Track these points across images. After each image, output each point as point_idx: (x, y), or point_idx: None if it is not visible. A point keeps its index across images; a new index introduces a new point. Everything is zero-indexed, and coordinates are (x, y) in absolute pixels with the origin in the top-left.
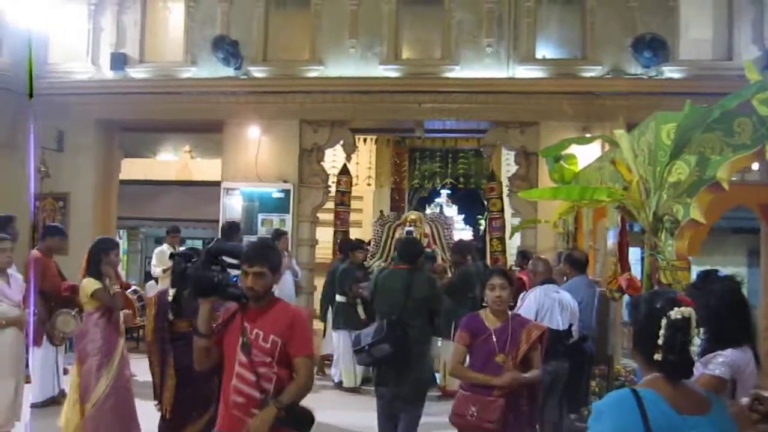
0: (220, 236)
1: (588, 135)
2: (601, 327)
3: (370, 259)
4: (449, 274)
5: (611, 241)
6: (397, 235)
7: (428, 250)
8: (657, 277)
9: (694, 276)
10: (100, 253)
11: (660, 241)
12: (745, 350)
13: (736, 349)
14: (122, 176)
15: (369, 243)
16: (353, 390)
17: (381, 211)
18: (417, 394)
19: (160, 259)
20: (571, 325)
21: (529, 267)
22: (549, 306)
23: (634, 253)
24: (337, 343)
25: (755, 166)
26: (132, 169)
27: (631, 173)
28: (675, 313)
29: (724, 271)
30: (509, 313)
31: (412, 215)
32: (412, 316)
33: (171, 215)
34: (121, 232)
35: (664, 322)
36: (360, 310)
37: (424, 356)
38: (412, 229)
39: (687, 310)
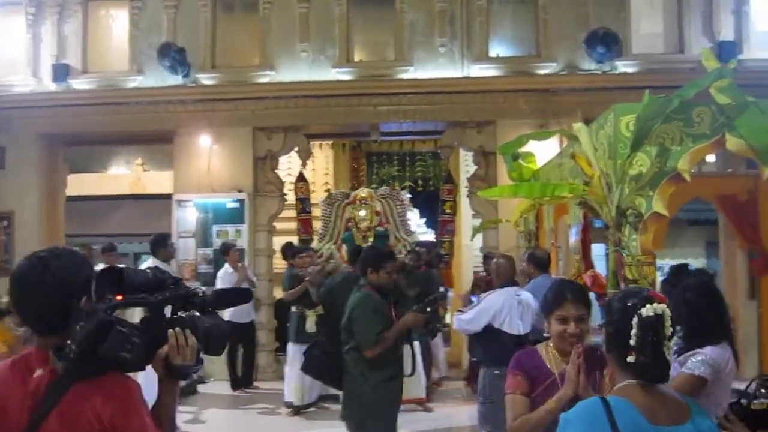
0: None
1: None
2: None
3: (319, 242)
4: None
5: (573, 238)
6: (347, 215)
7: (381, 229)
8: (623, 273)
9: (659, 271)
10: None
11: (624, 236)
12: (724, 347)
13: (715, 347)
14: (72, 192)
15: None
16: (305, 408)
17: (328, 190)
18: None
19: None
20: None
21: (491, 267)
22: (507, 310)
23: (597, 249)
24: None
25: (711, 158)
26: (82, 184)
27: (591, 168)
28: (646, 311)
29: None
30: (581, 347)
31: (362, 192)
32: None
33: (124, 230)
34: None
35: (635, 320)
36: (310, 321)
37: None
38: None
39: (659, 307)
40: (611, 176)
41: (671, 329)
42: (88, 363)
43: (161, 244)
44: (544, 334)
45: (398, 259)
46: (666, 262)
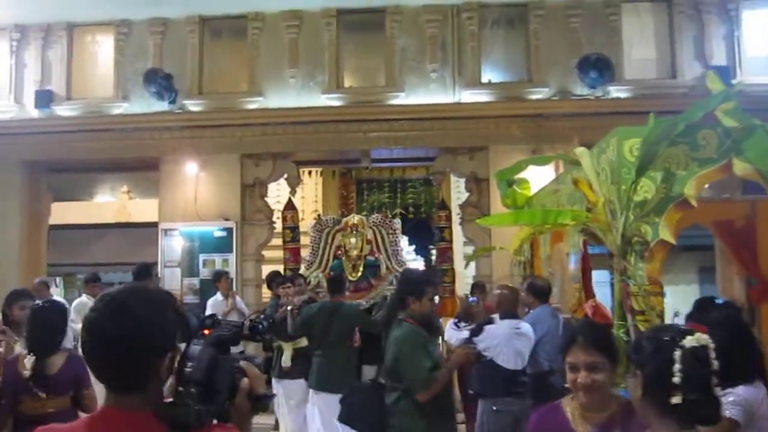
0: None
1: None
2: None
3: (306, 270)
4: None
5: (573, 266)
6: (336, 242)
7: (371, 258)
8: (629, 304)
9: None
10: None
11: (630, 264)
12: (758, 386)
13: (748, 386)
14: (57, 221)
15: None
16: None
17: (318, 215)
18: None
19: (80, 312)
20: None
21: (491, 297)
22: (505, 343)
23: (599, 276)
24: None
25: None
26: (67, 213)
27: (594, 194)
28: (690, 342)
29: (676, 288)
30: (615, 399)
31: (354, 219)
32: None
33: (109, 260)
34: (57, 279)
35: (677, 354)
36: (286, 356)
37: None
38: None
39: (703, 338)
40: (615, 202)
41: (717, 363)
42: (208, 403)
43: (145, 275)
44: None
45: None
46: (704, 297)
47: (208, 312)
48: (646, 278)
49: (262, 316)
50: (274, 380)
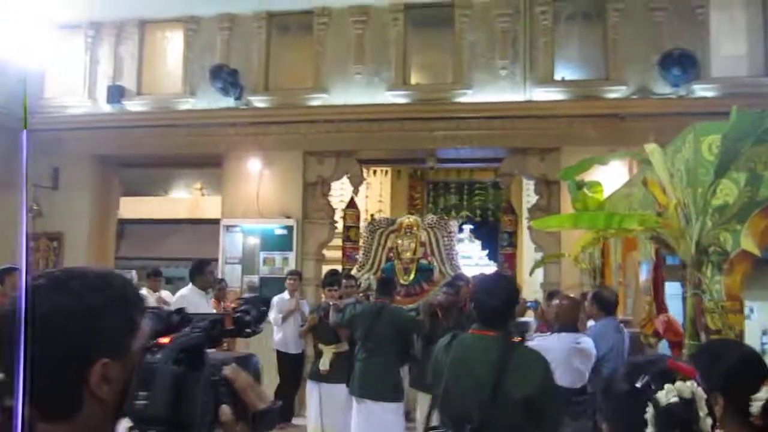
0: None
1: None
2: None
3: (358, 271)
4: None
5: (644, 276)
6: (389, 244)
7: (424, 261)
8: (703, 322)
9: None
10: None
11: (705, 277)
12: None
13: None
14: (131, 215)
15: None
16: None
17: (371, 215)
18: None
19: None
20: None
21: (552, 305)
22: (563, 360)
23: (670, 288)
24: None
25: None
26: (141, 207)
27: (666, 196)
28: (666, 396)
29: (765, 305)
30: None
31: (408, 220)
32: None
33: (180, 254)
34: (133, 272)
35: (649, 412)
36: (326, 358)
37: None
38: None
39: (685, 388)
40: (690, 207)
41: (710, 419)
42: None
43: (199, 271)
44: None
45: (429, 301)
46: None
47: (272, 311)
48: (724, 293)
49: (246, 303)
50: (310, 382)
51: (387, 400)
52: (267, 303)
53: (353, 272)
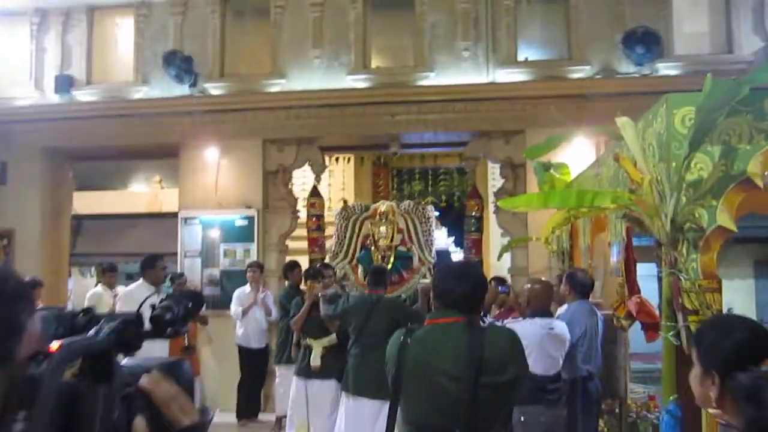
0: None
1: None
2: (607, 360)
3: (332, 259)
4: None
5: (615, 258)
6: (364, 231)
7: (403, 248)
8: (680, 302)
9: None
10: None
11: (681, 255)
12: None
13: None
14: (89, 210)
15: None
16: None
17: (344, 201)
18: None
19: (94, 304)
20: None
21: (523, 290)
22: (536, 345)
23: (642, 269)
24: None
25: None
26: (100, 202)
27: (639, 172)
28: None
29: (730, 283)
30: None
31: (383, 206)
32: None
33: (139, 250)
34: (92, 269)
35: None
36: (316, 353)
37: None
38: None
39: None
40: (663, 183)
41: None
42: None
43: (150, 265)
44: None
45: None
46: None
47: (233, 304)
48: (701, 272)
49: (168, 299)
50: (296, 379)
51: (384, 397)
52: (195, 298)
53: (327, 262)
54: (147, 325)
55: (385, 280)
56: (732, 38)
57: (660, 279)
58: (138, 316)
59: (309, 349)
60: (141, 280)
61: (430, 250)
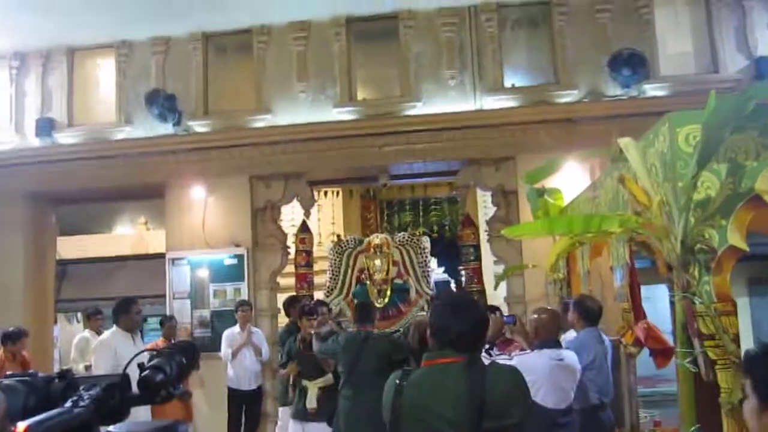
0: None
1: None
2: (616, 388)
3: (327, 296)
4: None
5: (618, 282)
6: (359, 265)
7: (399, 281)
8: (695, 327)
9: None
10: None
11: (693, 278)
12: None
13: None
14: (72, 255)
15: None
16: None
17: (338, 236)
18: None
19: (82, 350)
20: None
21: (529, 320)
22: (546, 379)
23: (644, 292)
24: None
25: None
26: (83, 246)
27: (646, 194)
28: None
29: None
30: None
31: (377, 239)
32: None
33: (126, 292)
34: (78, 315)
35: None
36: (312, 395)
37: None
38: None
39: None
40: (671, 203)
41: None
42: None
43: (124, 310)
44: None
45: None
46: None
47: (223, 345)
48: (715, 294)
49: (159, 357)
50: (293, 422)
51: None
52: (189, 351)
53: (322, 298)
54: (134, 389)
55: (372, 315)
56: (717, 57)
57: (672, 303)
58: (124, 378)
59: (305, 391)
60: (114, 327)
61: (428, 282)
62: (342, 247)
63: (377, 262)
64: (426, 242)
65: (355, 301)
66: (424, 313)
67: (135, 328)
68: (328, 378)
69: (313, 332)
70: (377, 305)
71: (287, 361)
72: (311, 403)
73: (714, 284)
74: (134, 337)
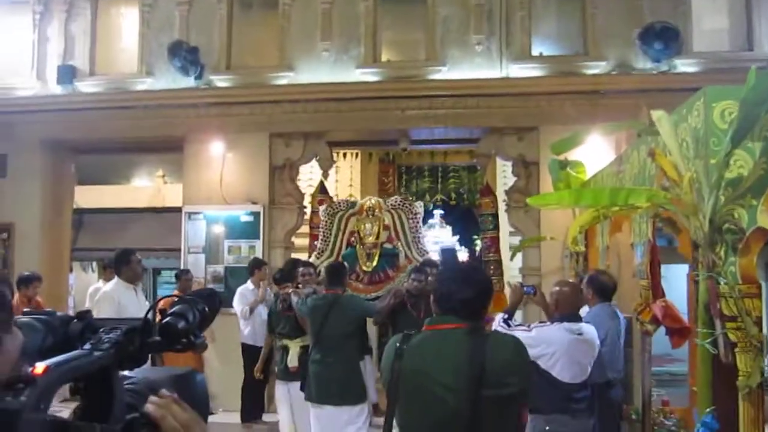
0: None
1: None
2: (628, 365)
3: (317, 258)
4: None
5: (639, 259)
6: (350, 228)
7: (389, 245)
8: (718, 308)
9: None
10: None
11: (719, 258)
12: None
13: None
14: (91, 204)
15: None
16: None
17: (330, 198)
18: None
19: (98, 300)
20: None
21: (551, 292)
22: (563, 352)
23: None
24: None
25: None
26: (102, 196)
27: (677, 170)
28: None
29: None
30: None
31: (370, 202)
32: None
33: (141, 245)
34: (93, 264)
35: None
36: (293, 354)
37: None
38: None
39: None
40: (702, 180)
41: None
42: None
43: (124, 261)
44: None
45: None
46: None
47: (236, 301)
48: (740, 276)
49: (181, 303)
50: (279, 383)
51: (350, 403)
52: (211, 300)
53: (312, 260)
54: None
55: (342, 277)
56: (752, 35)
57: (696, 282)
58: (146, 323)
59: (287, 350)
60: (117, 279)
61: (418, 247)
62: (334, 209)
63: (368, 225)
64: (419, 207)
65: (345, 264)
66: (409, 280)
67: (136, 280)
68: (309, 337)
69: (291, 292)
70: (365, 269)
71: (270, 321)
72: (293, 362)
73: (740, 265)
74: (136, 289)
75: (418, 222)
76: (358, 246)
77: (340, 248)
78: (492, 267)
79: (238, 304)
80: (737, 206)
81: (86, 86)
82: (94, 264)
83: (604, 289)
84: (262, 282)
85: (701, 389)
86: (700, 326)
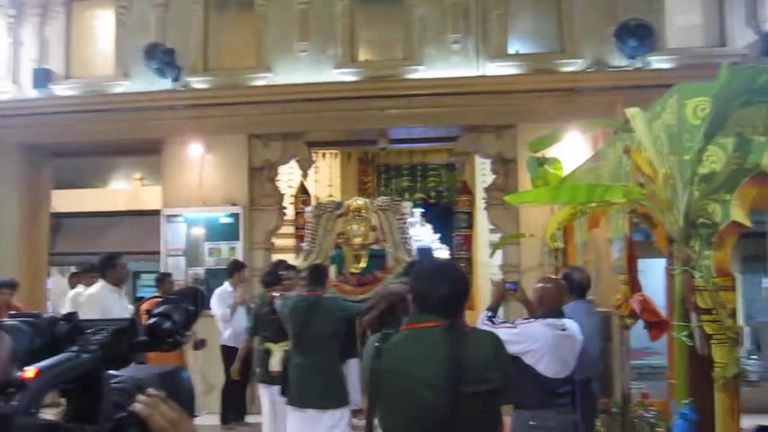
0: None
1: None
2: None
3: (304, 261)
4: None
5: (616, 254)
6: (337, 229)
7: (375, 246)
8: (693, 301)
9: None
10: None
11: (694, 252)
12: None
13: None
14: (68, 208)
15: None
16: None
17: (317, 198)
18: None
19: (77, 305)
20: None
21: (534, 288)
22: (548, 348)
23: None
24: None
25: None
26: (79, 200)
27: (652, 166)
28: None
29: None
30: None
31: (356, 202)
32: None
33: (119, 248)
34: (71, 269)
35: None
36: (276, 358)
37: None
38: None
39: None
40: (676, 176)
41: None
42: None
43: (110, 264)
44: None
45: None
46: None
47: (213, 303)
48: (714, 269)
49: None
50: (261, 386)
51: (332, 407)
52: (197, 299)
53: (299, 262)
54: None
55: (323, 278)
56: (725, 31)
57: (671, 276)
58: (133, 324)
59: (270, 354)
60: (102, 282)
61: (405, 248)
62: (320, 210)
63: (355, 226)
64: (406, 208)
65: (333, 266)
66: (398, 282)
67: (121, 283)
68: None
69: (275, 295)
70: (353, 271)
71: (254, 324)
72: (275, 366)
73: (714, 259)
74: (120, 292)
75: (405, 223)
76: (345, 247)
77: (328, 250)
78: (462, 265)
79: (217, 307)
80: (711, 201)
81: (62, 89)
82: (72, 269)
83: (578, 286)
84: (241, 284)
85: (679, 381)
86: (676, 319)
